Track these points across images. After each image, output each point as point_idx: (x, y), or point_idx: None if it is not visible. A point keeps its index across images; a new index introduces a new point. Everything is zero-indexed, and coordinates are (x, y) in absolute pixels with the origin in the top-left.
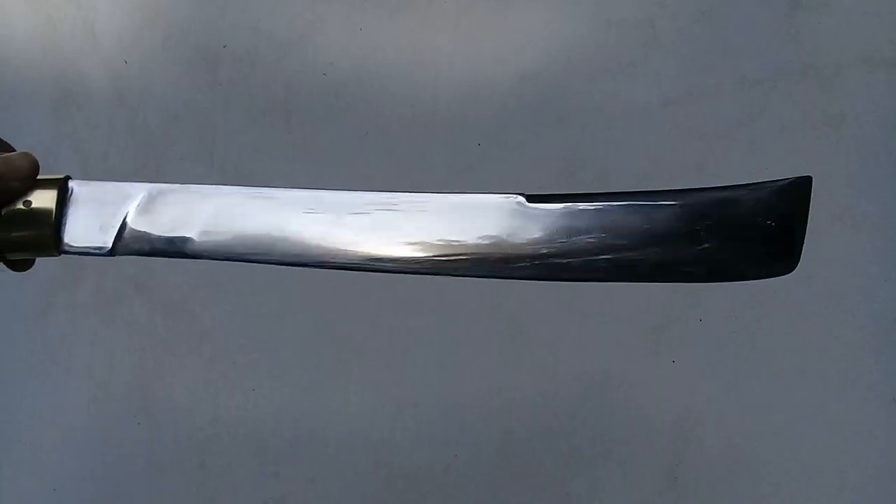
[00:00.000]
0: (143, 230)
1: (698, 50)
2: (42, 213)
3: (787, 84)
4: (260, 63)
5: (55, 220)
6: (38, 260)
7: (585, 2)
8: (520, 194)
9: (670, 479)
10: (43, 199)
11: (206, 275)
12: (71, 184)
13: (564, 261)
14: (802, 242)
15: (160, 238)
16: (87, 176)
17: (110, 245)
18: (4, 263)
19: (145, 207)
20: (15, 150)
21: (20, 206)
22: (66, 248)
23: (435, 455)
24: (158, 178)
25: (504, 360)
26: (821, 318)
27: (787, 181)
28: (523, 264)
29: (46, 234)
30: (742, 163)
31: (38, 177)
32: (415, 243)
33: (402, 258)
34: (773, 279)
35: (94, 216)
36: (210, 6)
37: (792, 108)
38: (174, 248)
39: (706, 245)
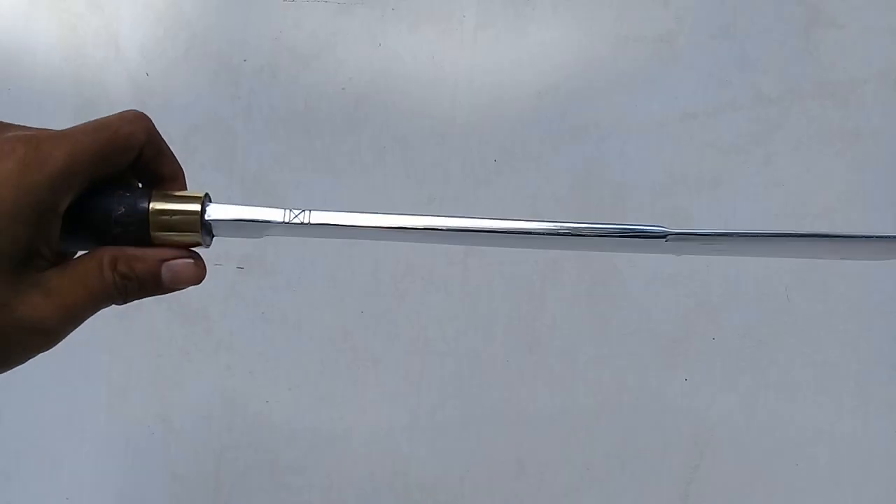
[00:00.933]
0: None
1: (715, 65)
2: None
3: (804, 100)
4: (280, 76)
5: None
6: None
7: (603, 17)
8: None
9: (684, 495)
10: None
11: (224, 283)
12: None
13: None
14: None
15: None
16: None
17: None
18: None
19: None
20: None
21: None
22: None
23: (450, 467)
24: None
25: (520, 373)
26: (836, 334)
27: None
28: None
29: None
30: (758, 177)
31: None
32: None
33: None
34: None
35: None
36: (232, 19)
37: (808, 123)
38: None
39: None
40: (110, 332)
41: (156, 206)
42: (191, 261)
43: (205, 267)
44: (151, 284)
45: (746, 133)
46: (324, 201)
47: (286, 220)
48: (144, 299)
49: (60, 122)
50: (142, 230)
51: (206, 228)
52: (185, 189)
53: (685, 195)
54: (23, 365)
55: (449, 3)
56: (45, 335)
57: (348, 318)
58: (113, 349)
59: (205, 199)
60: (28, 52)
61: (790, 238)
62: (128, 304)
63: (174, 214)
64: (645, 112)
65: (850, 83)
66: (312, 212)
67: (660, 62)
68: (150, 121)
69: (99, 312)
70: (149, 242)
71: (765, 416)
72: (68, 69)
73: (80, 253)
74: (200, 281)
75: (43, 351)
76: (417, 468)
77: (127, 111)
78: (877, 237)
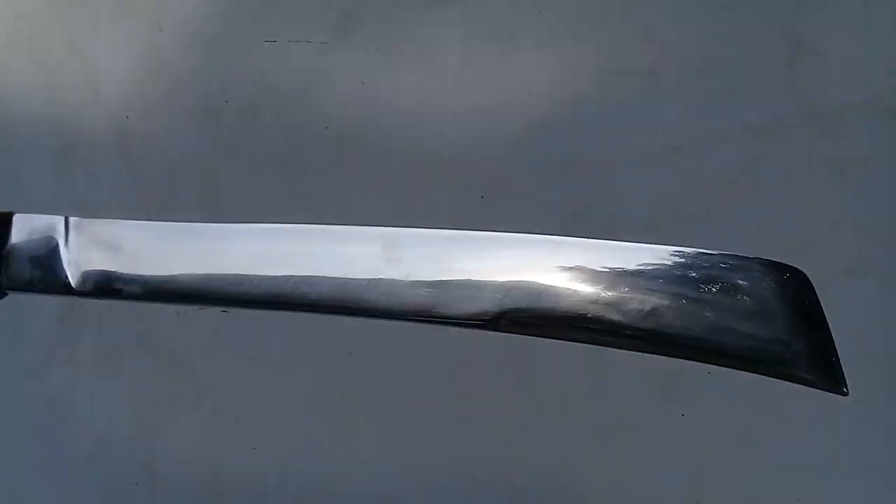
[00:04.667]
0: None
1: (701, 97)
2: None
3: (791, 129)
4: (263, 116)
5: None
6: (36, 315)
7: (587, 52)
8: None
9: None
10: None
11: (209, 328)
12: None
13: None
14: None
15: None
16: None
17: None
18: None
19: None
20: None
21: None
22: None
23: None
24: None
25: (513, 411)
26: None
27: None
28: None
29: None
30: (748, 207)
31: None
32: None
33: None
34: None
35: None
36: (213, 60)
37: (795, 153)
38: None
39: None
40: (93, 380)
41: None
42: None
43: None
44: None
45: (734, 164)
46: None
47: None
48: (124, 345)
49: (40, 166)
50: None
51: None
52: None
53: (676, 226)
54: (5, 416)
55: (433, 41)
56: None
57: (335, 360)
58: (94, 397)
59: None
60: (5, 96)
61: None
62: (110, 352)
63: None
64: (632, 145)
65: (837, 112)
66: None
67: (645, 96)
68: None
69: (80, 361)
70: None
71: (765, 450)
72: (47, 113)
73: None
74: None
75: None
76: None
77: None
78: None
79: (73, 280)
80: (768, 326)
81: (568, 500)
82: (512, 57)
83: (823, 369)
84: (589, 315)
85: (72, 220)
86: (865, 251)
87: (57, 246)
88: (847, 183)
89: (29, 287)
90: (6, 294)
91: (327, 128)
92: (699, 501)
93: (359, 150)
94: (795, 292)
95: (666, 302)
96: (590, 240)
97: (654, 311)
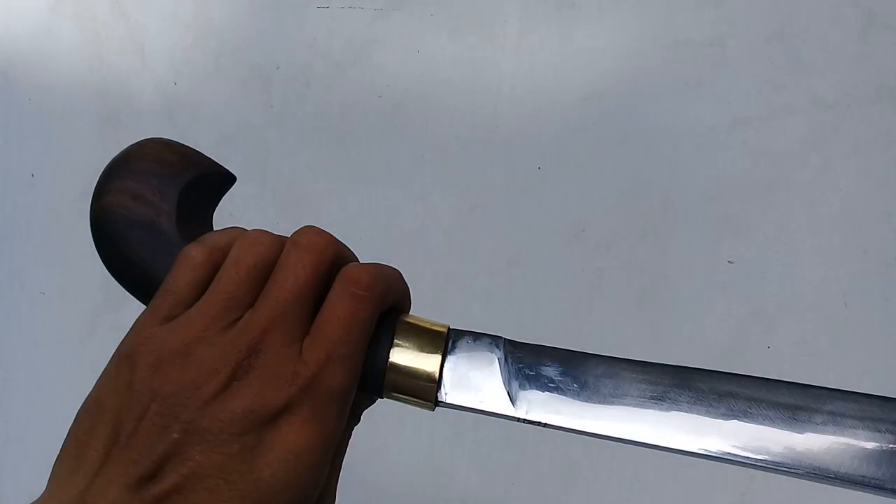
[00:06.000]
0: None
1: (769, 69)
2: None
3: (861, 104)
4: (315, 83)
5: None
6: (81, 281)
7: (651, 20)
8: None
9: None
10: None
11: None
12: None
13: None
14: None
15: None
16: None
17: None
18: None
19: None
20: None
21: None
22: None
23: (494, 480)
24: None
25: None
26: (895, 342)
27: None
28: None
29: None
30: (813, 183)
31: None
32: None
33: None
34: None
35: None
36: (264, 26)
37: (865, 128)
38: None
39: None
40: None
41: (393, 362)
42: None
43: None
44: None
45: (802, 138)
46: (359, 211)
47: (520, 417)
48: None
49: (84, 133)
50: (377, 383)
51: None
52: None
53: (738, 202)
54: (51, 382)
55: (490, 8)
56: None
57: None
58: None
59: (445, 362)
60: (50, 61)
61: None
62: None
63: (409, 376)
64: (695, 117)
65: None
66: (554, 413)
67: (711, 66)
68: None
69: (125, 327)
70: (379, 392)
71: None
72: (92, 79)
73: None
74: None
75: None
76: (459, 482)
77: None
78: None
79: (512, 402)
80: None
81: (620, 475)
82: (572, 25)
83: None
84: None
85: (507, 340)
86: None
87: (496, 367)
88: None
89: (463, 403)
90: (437, 406)
91: (380, 97)
92: (753, 476)
93: (412, 119)
94: None
95: None
96: None
97: None
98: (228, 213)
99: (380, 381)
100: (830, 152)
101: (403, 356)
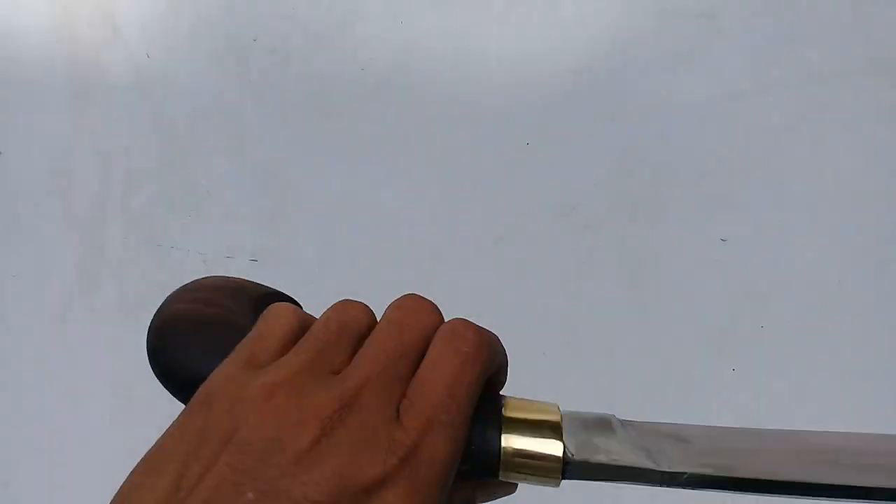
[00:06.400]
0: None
1: (761, 42)
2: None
3: (854, 77)
4: (294, 56)
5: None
6: (52, 262)
7: None
8: None
9: None
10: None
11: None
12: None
13: None
14: None
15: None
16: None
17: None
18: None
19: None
20: None
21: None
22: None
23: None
24: (185, 173)
25: (557, 365)
26: (890, 322)
27: None
28: None
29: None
30: (807, 158)
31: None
32: None
33: None
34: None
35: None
36: None
37: (859, 101)
38: None
39: None
40: (114, 331)
41: (510, 444)
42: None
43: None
44: None
45: (795, 112)
46: (342, 188)
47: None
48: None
49: (54, 109)
50: (491, 466)
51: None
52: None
53: (731, 179)
54: (25, 364)
55: None
56: None
57: (372, 308)
58: (117, 349)
59: (564, 434)
60: (17, 34)
61: None
62: (131, 304)
63: (531, 458)
64: (687, 91)
65: None
66: (703, 471)
67: (703, 38)
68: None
69: (101, 311)
70: (494, 475)
71: (815, 407)
72: (61, 51)
73: None
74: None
75: None
76: None
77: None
78: None
79: (650, 457)
80: None
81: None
82: None
83: None
84: None
85: (619, 419)
86: None
87: (617, 430)
88: None
89: (598, 461)
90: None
91: (362, 69)
92: None
93: (396, 93)
94: None
95: None
96: None
97: None
98: (206, 192)
99: (495, 462)
100: (823, 126)
101: (518, 431)
